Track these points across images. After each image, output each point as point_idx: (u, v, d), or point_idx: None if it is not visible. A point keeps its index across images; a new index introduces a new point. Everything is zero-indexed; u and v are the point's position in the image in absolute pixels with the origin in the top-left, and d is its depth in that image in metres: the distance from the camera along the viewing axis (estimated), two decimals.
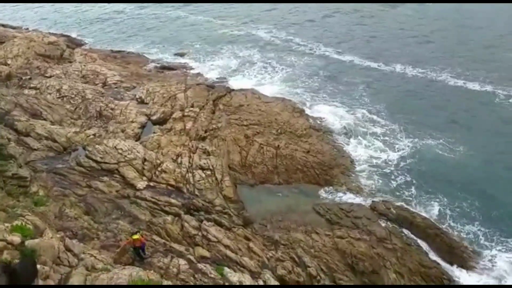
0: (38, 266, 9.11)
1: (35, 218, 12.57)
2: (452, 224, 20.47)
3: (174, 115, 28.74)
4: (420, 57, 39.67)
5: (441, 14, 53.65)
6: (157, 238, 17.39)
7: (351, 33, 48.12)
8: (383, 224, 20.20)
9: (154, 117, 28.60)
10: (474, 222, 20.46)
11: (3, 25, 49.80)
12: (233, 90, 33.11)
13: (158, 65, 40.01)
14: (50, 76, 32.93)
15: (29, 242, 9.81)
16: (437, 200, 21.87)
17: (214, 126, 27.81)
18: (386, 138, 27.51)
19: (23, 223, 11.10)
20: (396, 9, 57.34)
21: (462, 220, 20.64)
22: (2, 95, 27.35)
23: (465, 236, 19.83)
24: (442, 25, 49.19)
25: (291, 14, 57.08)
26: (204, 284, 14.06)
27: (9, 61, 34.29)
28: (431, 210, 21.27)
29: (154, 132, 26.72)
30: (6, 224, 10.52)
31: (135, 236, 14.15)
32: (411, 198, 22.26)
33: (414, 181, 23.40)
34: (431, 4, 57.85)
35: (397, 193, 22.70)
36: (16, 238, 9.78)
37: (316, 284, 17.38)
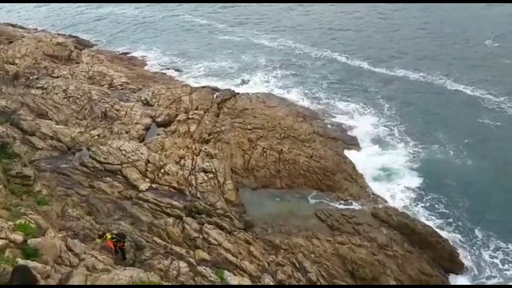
0: (39, 265, 9.22)
1: (38, 217, 12.68)
2: (454, 231, 20.42)
3: (178, 118, 28.90)
4: (421, 61, 40.11)
5: (447, 16, 53.89)
6: (158, 240, 17.45)
7: (355, 37, 48.67)
8: (385, 231, 20.14)
9: (158, 119, 28.79)
10: (478, 231, 20.41)
11: (12, 25, 50.41)
12: (237, 93, 33.29)
13: (164, 68, 40.37)
14: (57, 77, 33.26)
15: (31, 241, 9.91)
16: (441, 207, 21.87)
17: (218, 129, 27.93)
18: (390, 143, 27.58)
19: (26, 222, 11.21)
20: (399, 12, 57.72)
21: (465, 228, 20.59)
22: (9, 94, 27.66)
23: (467, 244, 19.77)
24: (446, 28, 49.63)
25: (296, 18, 57.59)
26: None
27: (17, 61, 34.67)
28: (434, 217, 21.25)
29: (158, 134, 26.88)
30: (10, 223, 10.63)
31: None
32: (413, 205, 22.21)
33: (417, 188, 23.33)
34: (437, 4, 58.19)
35: (399, 200, 22.65)
36: (18, 237, 9.88)
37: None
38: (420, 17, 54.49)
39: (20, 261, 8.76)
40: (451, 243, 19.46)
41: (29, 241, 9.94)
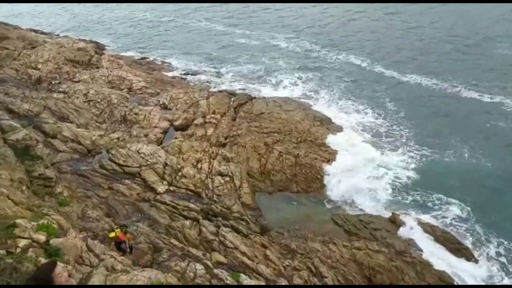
0: (61, 265, 9.43)
1: (60, 217, 12.95)
2: (473, 238, 19.94)
3: (196, 121, 29.22)
4: (434, 67, 39.58)
5: (463, 20, 53.25)
6: (175, 242, 17.61)
7: (370, 39, 48.77)
8: (403, 237, 19.85)
9: (176, 123, 29.15)
10: (499, 238, 19.85)
11: (35, 31, 51.80)
12: (254, 97, 33.44)
13: (182, 72, 40.90)
14: (78, 81, 34.02)
15: (54, 241, 10.12)
16: (456, 213, 21.38)
17: (234, 133, 28.10)
18: (403, 148, 27.18)
19: (49, 222, 11.47)
20: (415, 15, 57.27)
21: (484, 234, 20.05)
22: (32, 98, 28.41)
23: (488, 251, 19.29)
24: (457, 31, 49.19)
25: (310, 20, 57.80)
26: None
27: (39, 66, 35.57)
28: (451, 223, 20.80)
29: (176, 138, 27.19)
30: (33, 223, 10.90)
31: (111, 235, 14.36)
32: (430, 210, 21.78)
33: (433, 193, 22.81)
34: (454, 8, 57.71)
35: (417, 205, 22.24)
36: (41, 237, 10.11)
37: None
38: (437, 21, 54.01)
39: (43, 261, 8.97)
40: (472, 250, 19.05)
41: (51, 241, 10.15)
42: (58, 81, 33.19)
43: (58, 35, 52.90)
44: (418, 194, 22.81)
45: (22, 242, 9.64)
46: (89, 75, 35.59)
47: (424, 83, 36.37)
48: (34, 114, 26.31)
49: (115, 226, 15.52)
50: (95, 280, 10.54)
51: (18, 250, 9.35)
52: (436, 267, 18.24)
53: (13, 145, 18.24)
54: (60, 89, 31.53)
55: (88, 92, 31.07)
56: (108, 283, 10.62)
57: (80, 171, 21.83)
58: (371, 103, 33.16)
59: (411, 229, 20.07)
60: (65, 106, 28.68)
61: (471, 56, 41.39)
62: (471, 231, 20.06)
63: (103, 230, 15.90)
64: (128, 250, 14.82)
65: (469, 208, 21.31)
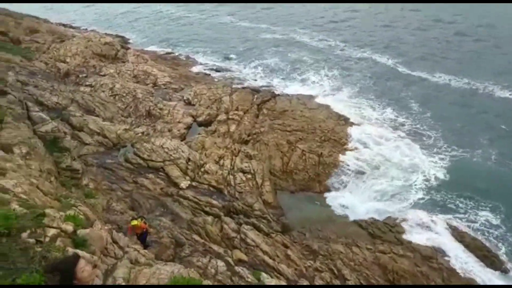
0: (88, 255, 9.48)
1: (86, 209, 13.08)
2: (504, 246, 19.12)
3: (219, 118, 29.20)
4: (464, 67, 38.42)
5: (494, 19, 51.56)
6: (197, 238, 17.60)
7: (396, 37, 47.91)
8: (430, 242, 19.26)
9: (199, 119, 29.21)
10: None
11: (63, 25, 53.02)
12: (277, 95, 33.21)
13: (206, 68, 41.03)
14: (104, 75, 34.54)
15: (81, 231, 10.19)
16: (487, 218, 20.58)
17: (257, 130, 27.93)
18: (432, 149, 26.42)
19: (76, 213, 11.58)
20: (444, 13, 55.83)
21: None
22: (61, 91, 28.98)
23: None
24: (486, 29, 47.79)
25: (334, 16, 57.35)
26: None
27: (68, 59, 36.29)
28: (481, 229, 20.04)
29: (199, 133, 27.27)
30: (61, 213, 11.02)
31: (134, 222, 14.33)
32: (459, 215, 21.04)
33: (462, 196, 22.09)
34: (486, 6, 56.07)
35: (444, 208, 21.53)
36: (69, 227, 10.19)
37: None
38: (464, 18, 52.48)
39: (71, 250, 9.02)
40: (503, 258, 18.30)
41: (78, 232, 10.22)
42: (85, 75, 33.78)
43: (86, 29, 53.94)
44: (447, 197, 22.10)
45: (51, 232, 9.70)
46: (115, 69, 36.10)
47: (453, 83, 35.36)
48: (62, 107, 26.81)
49: (135, 217, 15.52)
50: (120, 272, 10.53)
51: (47, 239, 9.45)
52: (464, 275, 17.61)
53: (43, 136, 18.61)
54: (87, 83, 32.07)
55: (114, 86, 31.48)
56: (132, 276, 10.63)
57: (105, 164, 22.10)
58: (398, 102, 32.49)
59: (439, 234, 19.50)
60: (91, 100, 29.14)
61: (502, 56, 40.07)
62: (503, 239, 19.29)
63: (127, 223, 15.99)
64: (147, 242, 14.86)
65: (501, 214, 20.50)
